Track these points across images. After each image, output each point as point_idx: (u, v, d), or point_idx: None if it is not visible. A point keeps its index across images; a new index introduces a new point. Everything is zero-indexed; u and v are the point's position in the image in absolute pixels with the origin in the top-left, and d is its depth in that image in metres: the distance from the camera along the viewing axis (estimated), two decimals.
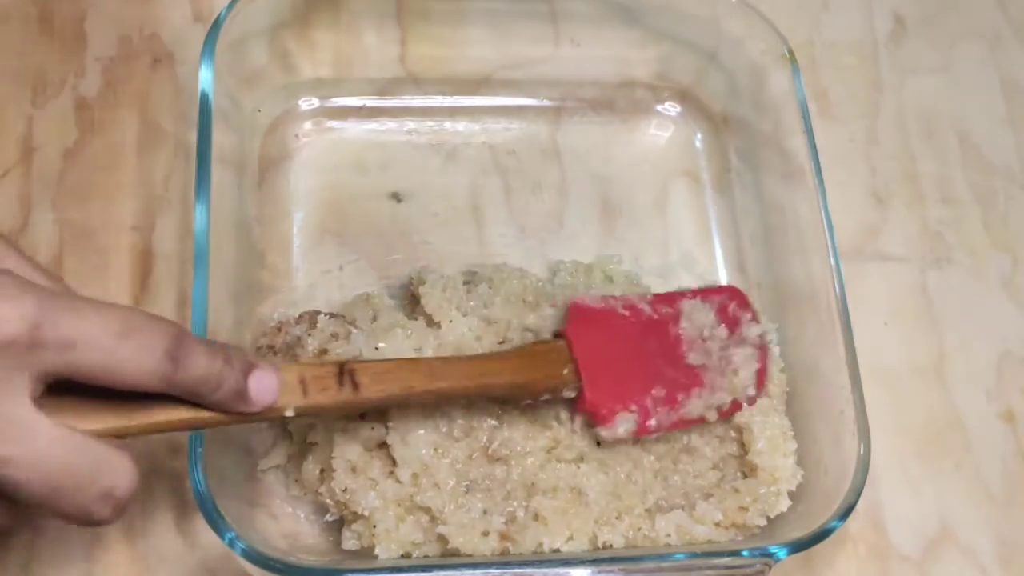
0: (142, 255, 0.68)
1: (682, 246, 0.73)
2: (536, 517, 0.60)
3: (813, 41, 0.81)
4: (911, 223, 0.76)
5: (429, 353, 0.61)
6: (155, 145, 0.71)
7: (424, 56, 0.75)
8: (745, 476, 0.64)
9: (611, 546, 0.60)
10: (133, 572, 0.61)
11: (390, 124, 0.75)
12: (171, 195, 0.70)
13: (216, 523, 0.54)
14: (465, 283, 0.66)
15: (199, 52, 0.64)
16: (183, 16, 0.75)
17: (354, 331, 0.61)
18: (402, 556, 0.59)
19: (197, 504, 0.54)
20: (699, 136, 0.77)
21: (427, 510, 0.59)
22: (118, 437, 0.47)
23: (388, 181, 0.73)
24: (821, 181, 0.66)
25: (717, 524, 0.62)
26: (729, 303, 0.67)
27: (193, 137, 0.62)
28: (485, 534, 0.59)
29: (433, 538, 0.59)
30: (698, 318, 0.65)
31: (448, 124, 0.75)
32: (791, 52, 0.70)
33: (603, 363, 0.61)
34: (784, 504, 0.63)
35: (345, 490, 0.59)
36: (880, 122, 0.79)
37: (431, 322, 0.64)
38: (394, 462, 0.59)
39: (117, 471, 0.46)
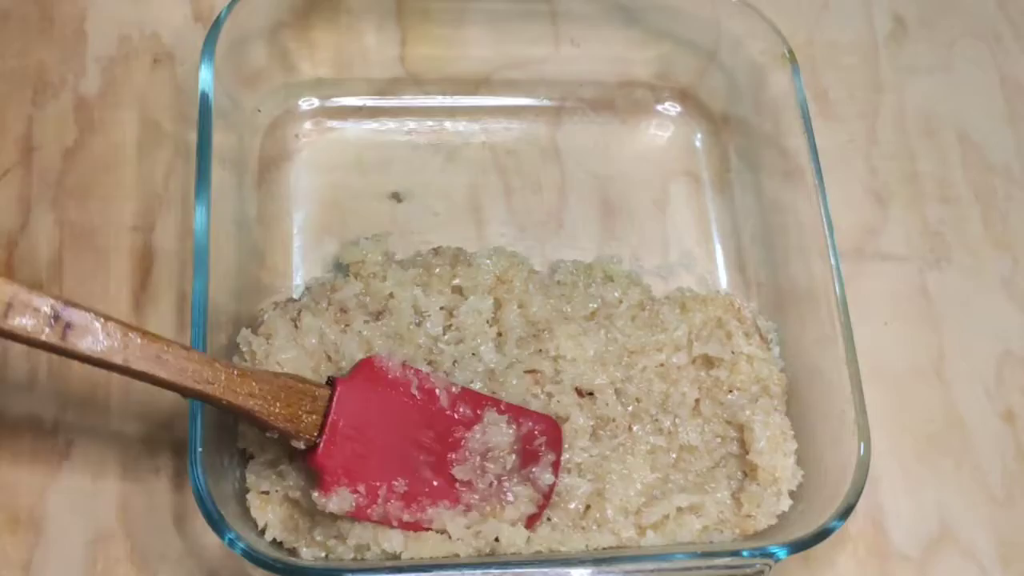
0: (142, 255, 0.68)
1: (682, 246, 0.73)
2: None
3: (813, 41, 0.81)
4: (911, 223, 0.76)
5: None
6: (155, 145, 0.71)
7: (424, 56, 0.75)
8: (745, 476, 0.64)
9: (612, 546, 0.60)
10: (133, 572, 0.61)
11: (390, 124, 0.75)
12: (171, 195, 0.70)
13: (216, 523, 0.54)
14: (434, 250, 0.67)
15: (199, 52, 0.64)
16: (183, 16, 0.75)
17: (244, 364, 0.60)
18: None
19: (197, 504, 0.54)
20: (699, 136, 0.77)
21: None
22: None
23: (388, 181, 0.73)
24: (821, 181, 0.66)
25: (718, 524, 0.62)
26: (539, 436, 0.61)
27: (193, 137, 0.62)
28: (477, 534, 0.59)
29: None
30: (493, 435, 0.60)
31: (448, 124, 0.75)
32: (791, 52, 0.70)
33: (356, 432, 0.57)
34: (784, 504, 0.63)
35: (288, 548, 0.59)
36: (880, 122, 0.79)
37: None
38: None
39: None
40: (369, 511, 0.57)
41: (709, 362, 0.67)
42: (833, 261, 0.64)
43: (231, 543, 0.54)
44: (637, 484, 0.62)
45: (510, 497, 0.60)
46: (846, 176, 0.77)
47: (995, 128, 0.80)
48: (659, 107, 0.77)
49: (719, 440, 0.65)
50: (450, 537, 0.58)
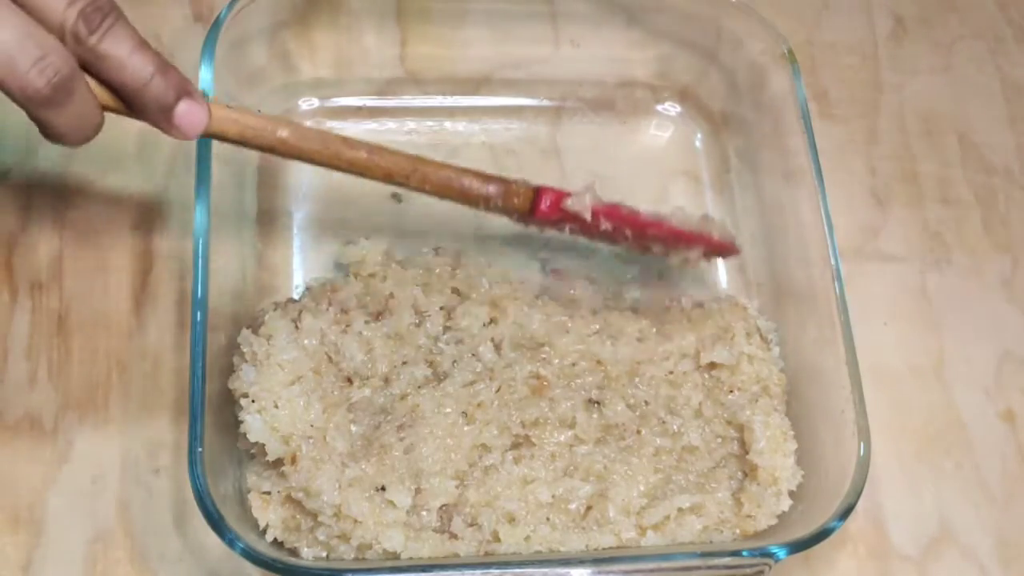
0: (142, 255, 0.68)
1: None
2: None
3: (813, 41, 0.81)
4: (911, 223, 0.76)
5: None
6: (155, 145, 0.71)
7: (424, 56, 0.75)
8: (745, 476, 0.64)
9: (612, 546, 0.60)
10: (133, 572, 0.61)
11: (390, 124, 0.75)
12: (171, 195, 0.70)
13: (216, 523, 0.54)
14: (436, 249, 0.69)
15: (199, 52, 0.64)
16: (183, 16, 0.75)
17: (244, 365, 0.61)
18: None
19: (197, 504, 0.54)
20: (699, 136, 0.77)
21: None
22: None
23: None
24: (821, 181, 0.66)
25: (718, 524, 0.62)
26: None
27: None
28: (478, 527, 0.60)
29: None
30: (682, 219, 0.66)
31: (448, 124, 0.75)
32: (791, 52, 0.70)
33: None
34: (784, 504, 0.63)
35: (288, 548, 0.59)
36: (880, 122, 0.79)
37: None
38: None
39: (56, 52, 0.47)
40: (602, 219, 0.63)
41: (711, 363, 0.67)
42: (833, 261, 0.64)
43: (231, 543, 0.54)
44: (640, 485, 0.62)
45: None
46: (846, 176, 0.77)
47: (995, 129, 0.80)
48: (659, 107, 0.77)
49: (720, 440, 0.65)
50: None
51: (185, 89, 0.51)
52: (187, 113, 0.51)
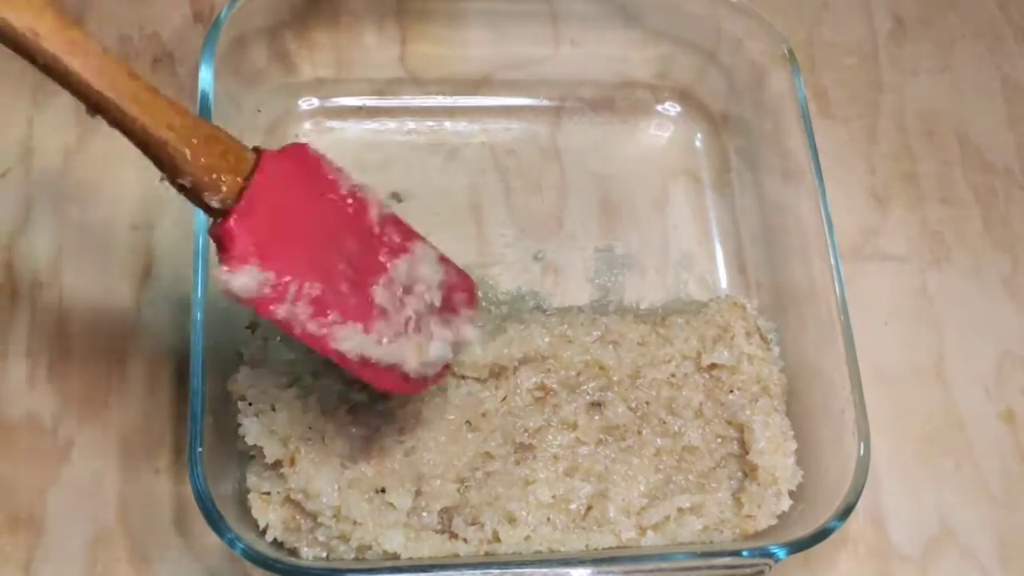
0: (142, 255, 0.68)
1: (682, 246, 0.73)
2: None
3: (813, 41, 0.81)
4: (911, 223, 0.76)
5: None
6: None
7: (424, 56, 0.75)
8: (745, 476, 0.64)
9: (612, 546, 0.60)
10: (133, 572, 0.61)
11: (390, 124, 0.75)
12: (171, 195, 0.69)
13: (216, 523, 0.54)
14: None
15: (199, 52, 0.64)
16: (183, 16, 0.75)
17: (242, 367, 0.61)
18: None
19: (197, 504, 0.54)
20: (699, 136, 0.77)
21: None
22: None
23: (388, 181, 0.73)
24: (821, 181, 0.66)
25: (718, 524, 0.62)
26: (460, 290, 0.56)
27: None
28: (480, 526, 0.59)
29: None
30: (420, 269, 0.55)
31: (448, 124, 0.75)
32: (791, 52, 0.70)
33: (276, 212, 0.49)
34: (784, 504, 0.63)
35: (288, 549, 0.59)
36: (880, 122, 0.79)
37: None
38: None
39: None
40: (274, 306, 0.49)
41: (712, 364, 0.67)
42: (833, 261, 0.64)
43: (231, 543, 0.54)
44: (641, 486, 0.62)
45: (429, 331, 0.54)
46: (846, 176, 0.77)
47: (995, 129, 0.80)
48: (659, 107, 0.77)
49: (720, 440, 0.65)
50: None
51: None
52: None
